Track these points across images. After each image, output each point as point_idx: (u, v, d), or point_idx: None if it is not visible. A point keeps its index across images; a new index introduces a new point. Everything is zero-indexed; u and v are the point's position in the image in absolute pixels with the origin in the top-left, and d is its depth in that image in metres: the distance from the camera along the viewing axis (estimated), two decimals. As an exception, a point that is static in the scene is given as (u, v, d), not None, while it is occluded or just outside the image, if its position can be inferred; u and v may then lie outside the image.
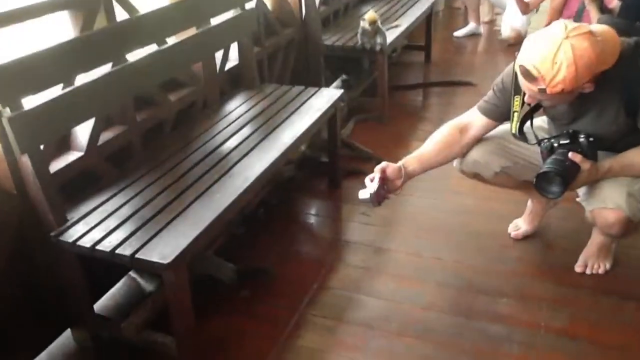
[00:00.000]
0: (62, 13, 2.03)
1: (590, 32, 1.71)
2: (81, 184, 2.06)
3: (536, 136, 2.06)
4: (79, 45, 1.97)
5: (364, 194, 1.99)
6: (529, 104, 1.98)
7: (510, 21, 5.04)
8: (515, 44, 5.04)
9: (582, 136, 1.94)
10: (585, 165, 1.90)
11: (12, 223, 1.84)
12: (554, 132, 2.14)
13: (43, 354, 2.01)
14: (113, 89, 2.10)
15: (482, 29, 5.47)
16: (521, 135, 2.08)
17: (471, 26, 5.39)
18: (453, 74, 4.52)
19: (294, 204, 2.92)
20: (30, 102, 1.80)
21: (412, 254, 2.49)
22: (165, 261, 1.65)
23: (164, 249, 1.70)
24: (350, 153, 3.27)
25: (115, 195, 2.02)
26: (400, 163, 2.08)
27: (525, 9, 4.66)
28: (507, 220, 2.62)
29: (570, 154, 1.91)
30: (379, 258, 2.49)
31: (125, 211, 1.92)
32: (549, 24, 4.20)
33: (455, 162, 2.29)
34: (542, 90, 1.76)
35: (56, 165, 1.98)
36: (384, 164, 2.05)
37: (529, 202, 2.55)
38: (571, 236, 2.53)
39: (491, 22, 5.75)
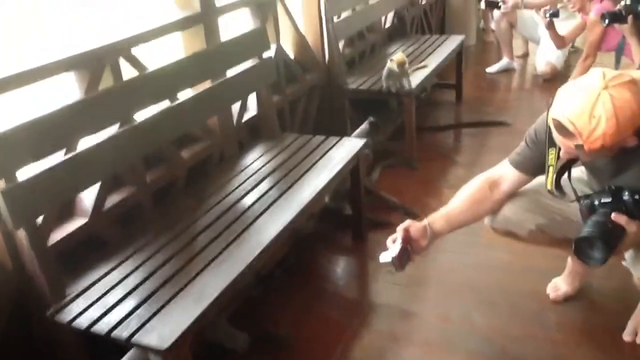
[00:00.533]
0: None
1: (632, 81, 1.54)
2: (85, 248, 1.97)
3: (575, 192, 1.88)
4: (82, 108, 1.90)
5: (385, 257, 1.83)
6: (565, 158, 1.80)
7: (545, 55, 4.85)
8: (550, 79, 4.85)
9: (626, 193, 1.75)
10: (631, 227, 1.70)
11: (9, 298, 1.75)
12: (594, 185, 1.96)
13: None
14: (120, 150, 2.02)
15: (516, 64, 5.28)
16: (558, 190, 1.89)
17: (504, 61, 5.21)
18: (486, 113, 4.34)
19: (314, 261, 2.76)
20: (29, 170, 1.72)
21: (441, 318, 2.30)
22: (163, 346, 1.52)
23: (163, 331, 1.58)
24: (376, 202, 3.11)
25: (119, 264, 1.91)
26: (425, 221, 1.92)
27: (561, 42, 4.47)
28: (545, 277, 2.41)
29: (613, 215, 1.71)
30: (405, 323, 2.31)
31: (128, 284, 1.80)
32: (586, 58, 4.08)
33: (486, 220, 2.11)
34: (579, 147, 1.58)
35: (57, 235, 1.89)
36: (407, 222, 1.89)
37: (569, 260, 2.34)
38: (617, 296, 2.31)
39: (525, 57, 5.55)
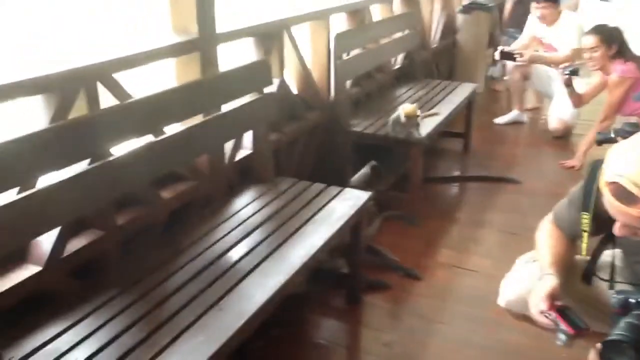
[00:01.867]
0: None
1: None
2: (33, 304, 1.66)
3: (610, 281, 1.63)
4: (46, 139, 1.60)
5: (562, 340, 1.57)
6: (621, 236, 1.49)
7: (558, 112, 4.62)
8: (562, 137, 4.62)
9: None
10: None
11: None
12: (622, 264, 1.73)
13: None
14: (88, 190, 1.72)
15: (526, 117, 5.05)
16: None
17: (514, 113, 4.98)
18: (493, 167, 4.08)
19: (301, 326, 2.44)
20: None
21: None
22: None
23: None
24: (374, 260, 2.82)
25: (72, 326, 1.60)
26: (555, 280, 1.63)
27: (578, 101, 4.23)
28: (563, 367, 2.12)
29: None
30: (399, 412, 2.01)
31: (78, 353, 1.49)
32: (604, 119, 3.85)
33: (500, 299, 1.85)
34: None
35: (3, 285, 1.59)
36: (549, 289, 1.59)
37: (592, 354, 2.04)
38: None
39: (536, 110, 5.33)
